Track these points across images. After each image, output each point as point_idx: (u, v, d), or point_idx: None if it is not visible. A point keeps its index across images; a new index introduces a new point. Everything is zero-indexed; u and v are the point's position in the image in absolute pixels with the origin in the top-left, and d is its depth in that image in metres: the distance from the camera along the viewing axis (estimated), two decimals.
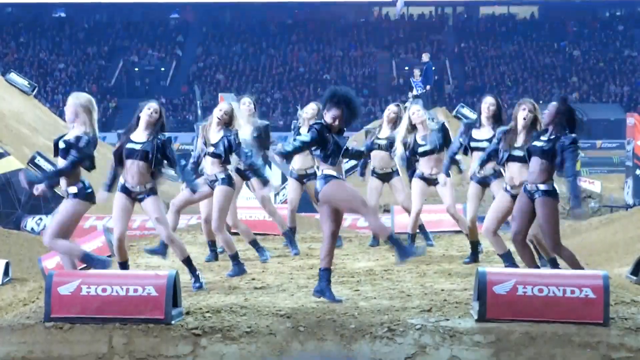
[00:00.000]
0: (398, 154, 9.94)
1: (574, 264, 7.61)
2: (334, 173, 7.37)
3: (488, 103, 9.22)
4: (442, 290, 7.83)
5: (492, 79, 45.99)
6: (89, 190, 7.59)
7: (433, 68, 24.87)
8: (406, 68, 31.85)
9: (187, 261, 8.15)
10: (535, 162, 7.56)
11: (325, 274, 7.40)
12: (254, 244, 9.90)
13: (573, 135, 7.49)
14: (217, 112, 8.94)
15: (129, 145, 7.92)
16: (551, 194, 7.52)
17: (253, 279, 8.62)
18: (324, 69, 48.22)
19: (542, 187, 7.52)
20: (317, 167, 7.53)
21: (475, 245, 9.56)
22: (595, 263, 10.27)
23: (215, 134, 8.87)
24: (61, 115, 38.69)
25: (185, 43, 50.77)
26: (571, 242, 12.73)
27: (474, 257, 9.54)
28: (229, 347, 6.44)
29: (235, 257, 8.93)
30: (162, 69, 48.07)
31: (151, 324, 6.58)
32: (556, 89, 44.63)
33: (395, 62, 47.32)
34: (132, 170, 7.90)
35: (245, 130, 9.01)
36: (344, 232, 12.50)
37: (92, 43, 49.67)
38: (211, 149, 8.84)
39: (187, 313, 6.89)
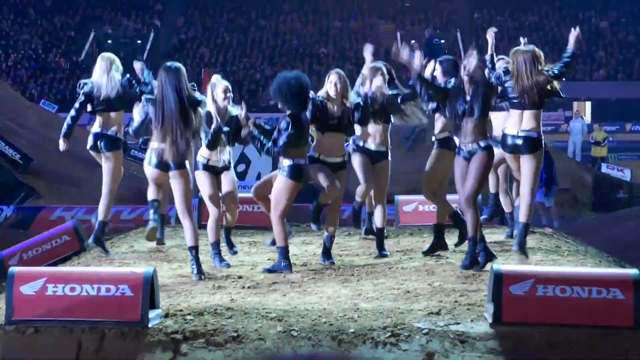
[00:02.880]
0: None
1: (472, 230, 8.60)
2: None
3: None
4: (453, 290, 7.82)
5: (508, 53, 45.99)
6: None
7: (442, 41, 24.78)
8: (413, 41, 31.66)
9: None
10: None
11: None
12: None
13: None
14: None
15: None
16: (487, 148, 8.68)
17: (240, 277, 8.60)
18: (320, 42, 48.13)
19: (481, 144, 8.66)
20: None
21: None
22: (625, 260, 10.26)
23: None
24: (24, 92, 38.57)
25: (165, 12, 50.64)
26: (599, 236, 12.74)
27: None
28: (213, 353, 6.44)
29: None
30: (139, 41, 47.95)
31: (125, 327, 6.57)
32: (581, 64, 44.56)
33: (400, 34, 47.19)
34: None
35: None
36: (343, 224, 12.45)
37: (60, 12, 49.52)
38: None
39: (166, 315, 6.88)
